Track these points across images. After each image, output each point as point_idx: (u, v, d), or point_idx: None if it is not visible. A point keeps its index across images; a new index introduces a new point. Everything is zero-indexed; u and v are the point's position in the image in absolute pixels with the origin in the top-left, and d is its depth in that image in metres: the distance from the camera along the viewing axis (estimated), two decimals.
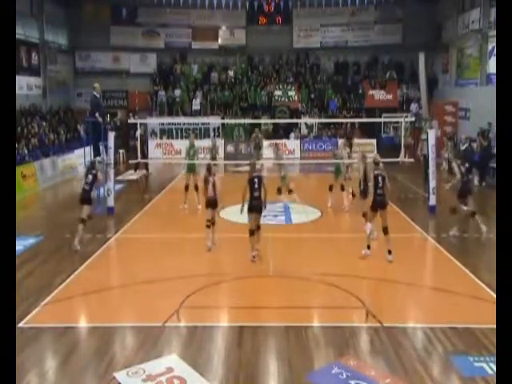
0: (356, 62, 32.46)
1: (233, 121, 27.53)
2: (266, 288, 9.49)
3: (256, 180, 10.68)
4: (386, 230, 10.64)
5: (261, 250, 10.86)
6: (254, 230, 10.69)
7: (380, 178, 10.76)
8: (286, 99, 29.47)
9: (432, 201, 14.55)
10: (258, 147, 23.38)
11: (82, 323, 8.17)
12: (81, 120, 25.98)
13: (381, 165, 11.11)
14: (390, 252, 10.63)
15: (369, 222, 11.08)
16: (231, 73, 31.81)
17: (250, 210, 10.67)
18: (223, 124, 28.11)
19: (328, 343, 7.21)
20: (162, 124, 28.50)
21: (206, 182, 11.59)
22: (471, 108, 24.29)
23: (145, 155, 22.17)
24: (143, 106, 30.01)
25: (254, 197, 10.62)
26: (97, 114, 15.48)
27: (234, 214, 13.46)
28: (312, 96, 30.57)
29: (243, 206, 10.84)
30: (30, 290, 9.06)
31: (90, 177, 11.97)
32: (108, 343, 7.29)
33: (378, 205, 10.71)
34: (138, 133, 19.85)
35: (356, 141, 25.47)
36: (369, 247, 10.91)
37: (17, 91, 21.77)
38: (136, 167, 22.56)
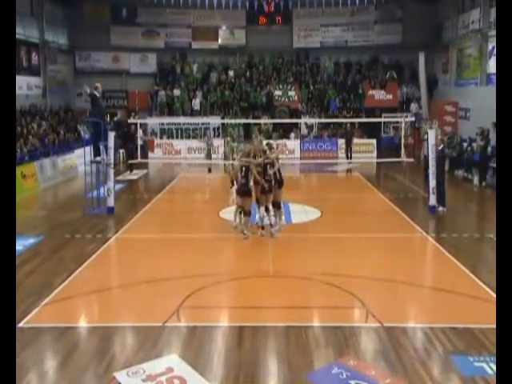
0: (356, 61, 32.47)
1: (233, 121, 27.53)
2: (266, 288, 9.48)
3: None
4: (278, 205, 12.46)
5: (261, 249, 10.87)
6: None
7: (268, 166, 12.00)
8: (286, 99, 29.49)
9: (432, 201, 14.54)
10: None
11: (82, 323, 8.16)
12: (81, 120, 26.01)
13: (268, 153, 12.19)
14: (271, 225, 12.38)
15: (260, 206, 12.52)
16: (231, 73, 31.83)
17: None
18: (223, 124, 28.11)
19: (328, 343, 7.21)
20: (162, 124, 28.51)
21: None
22: (471, 108, 24.29)
23: (143, 155, 22.17)
24: (143, 106, 30.03)
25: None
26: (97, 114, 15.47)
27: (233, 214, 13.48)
28: (312, 96, 30.57)
29: None
30: (30, 289, 9.05)
31: (244, 169, 12.11)
32: (108, 343, 7.28)
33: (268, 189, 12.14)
34: (139, 134, 19.86)
35: (356, 141, 25.57)
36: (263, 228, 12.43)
37: (17, 91, 21.78)
38: (131, 168, 22.59)
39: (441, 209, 14.54)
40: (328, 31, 32.00)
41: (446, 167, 22.14)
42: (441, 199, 14.59)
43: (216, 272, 10.10)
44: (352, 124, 26.11)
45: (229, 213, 13.98)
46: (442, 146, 14.98)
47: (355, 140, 25.41)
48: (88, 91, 15.49)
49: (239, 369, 6.55)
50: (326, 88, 30.79)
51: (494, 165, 17.73)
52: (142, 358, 6.78)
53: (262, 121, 27.04)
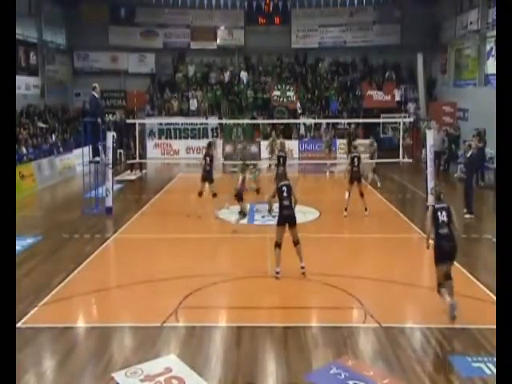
0: (354, 62, 32.47)
1: (231, 121, 27.50)
2: (265, 288, 9.48)
3: (285, 188, 9.87)
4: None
5: (259, 249, 10.86)
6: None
7: (355, 159, 14.44)
8: (285, 99, 29.42)
9: (430, 201, 14.54)
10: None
11: (81, 323, 8.16)
12: (79, 120, 25.95)
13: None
14: (366, 209, 14.24)
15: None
16: (229, 73, 31.80)
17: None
18: (221, 124, 28.09)
19: (326, 343, 7.21)
20: (161, 124, 28.47)
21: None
22: (469, 109, 24.30)
23: (141, 155, 22.17)
24: (141, 106, 29.97)
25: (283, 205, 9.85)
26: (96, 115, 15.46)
27: (233, 214, 13.49)
28: (310, 96, 30.55)
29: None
30: (29, 290, 9.05)
31: (208, 159, 14.19)
32: (106, 343, 7.28)
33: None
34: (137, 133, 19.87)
35: (358, 141, 25.57)
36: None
37: None
38: (131, 167, 22.59)
39: (468, 216, 14.23)
40: (326, 32, 31.97)
41: (442, 167, 22.29)
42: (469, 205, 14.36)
43: (214, 272, 10.10)
44: (352, 124, 26.09)
45: (228, 213, 14.00)
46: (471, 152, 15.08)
47: (358, 141, 25.42)
48: (97, 96, 15.54)
49: (237, 369, 6.56)
50: (325, 88, 30.76)
51: (490, 166, 17.78)
52: (140, 358, 6.78)
53: (260, 121, 27.03)
